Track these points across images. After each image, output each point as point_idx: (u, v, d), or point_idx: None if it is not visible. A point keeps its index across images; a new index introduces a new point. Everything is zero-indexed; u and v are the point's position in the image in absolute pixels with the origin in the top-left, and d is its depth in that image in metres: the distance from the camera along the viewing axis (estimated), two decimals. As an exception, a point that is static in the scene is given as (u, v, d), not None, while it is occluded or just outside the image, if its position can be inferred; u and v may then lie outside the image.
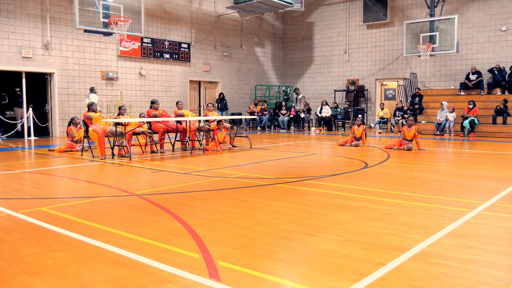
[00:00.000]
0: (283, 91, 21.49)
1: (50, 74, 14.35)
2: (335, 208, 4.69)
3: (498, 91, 16.35)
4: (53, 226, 3.97)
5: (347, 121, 19.46)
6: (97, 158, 9.03)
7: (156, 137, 10.37)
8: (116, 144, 9.14)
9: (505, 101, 15.04)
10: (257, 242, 3.52)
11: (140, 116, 11.70)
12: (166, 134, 10.28)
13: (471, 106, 15.15)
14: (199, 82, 19.11)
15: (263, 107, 19.98)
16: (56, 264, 3.05)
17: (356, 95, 19.91)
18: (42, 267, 3.00)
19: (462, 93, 16.98)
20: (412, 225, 3.99)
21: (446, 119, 15.29)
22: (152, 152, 10.04)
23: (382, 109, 18.03)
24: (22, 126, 14.02)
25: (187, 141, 10.30)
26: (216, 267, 2.95)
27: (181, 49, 17.79)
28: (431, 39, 16.01)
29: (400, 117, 16.46)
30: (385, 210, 4.58)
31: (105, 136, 9.23)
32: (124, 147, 9.19)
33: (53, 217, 4.32)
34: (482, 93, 16.55)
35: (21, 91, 14.17)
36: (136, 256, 3.17)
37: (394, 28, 19.17)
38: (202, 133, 11.04)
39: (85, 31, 13.33)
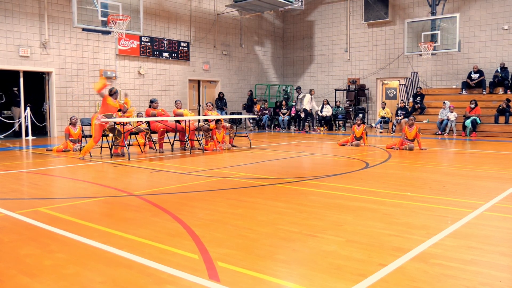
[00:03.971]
0: (283, 90, 21.44)
1: (48, 73, 14.30)
2: (336, 208, 4.66)
3: (500, 90, 16.29)
4: (51, 227, 3.94)
5: (348, 120, 19.42)
6: (95, 158, 8.99)
7: (154, 136, 10.33)
8: (114, 144, 9.10)
9: (508, 100, 14.95)
10: (257, 243, 3.49)
11: (137, 116, 11.64)
12: (165, 133, 10.25)
13: (473, 106, 15.08)
14: (199, 81, 19.07)
15: (263, 106, 19.94)
16: (54, 265, 3.02)
17: (357, 94, 19.86)
18: (40, 268, 2.98)
19: (464, 92, 16.91)
20: (413, 226, 3.96)
21: (448, 119, 15.23)
22: (150, 149, 10.00)
23: (383, 108, 18.00)
24: (20, 125, 13.99)
25: (186, 141, 10.26)
26: (216, 268, 2.93)
27: (180, 48, 17.74)
28: (433, 38, 15.97)
29: (402, 116, 16.41)
30: (386, 211, 4.55)
31: (103, 136, 9.13)
32: (119, 146, 9.13)
33: (51, 217, 4.30)
34: (484, 92, 16.48)
35: (18, 90, 14.10)
36: (135, 257, 3.15)
37: (395, 26, 19.11)
38: (201, 132, 11.01)
39: (84, 29, 13.30)
